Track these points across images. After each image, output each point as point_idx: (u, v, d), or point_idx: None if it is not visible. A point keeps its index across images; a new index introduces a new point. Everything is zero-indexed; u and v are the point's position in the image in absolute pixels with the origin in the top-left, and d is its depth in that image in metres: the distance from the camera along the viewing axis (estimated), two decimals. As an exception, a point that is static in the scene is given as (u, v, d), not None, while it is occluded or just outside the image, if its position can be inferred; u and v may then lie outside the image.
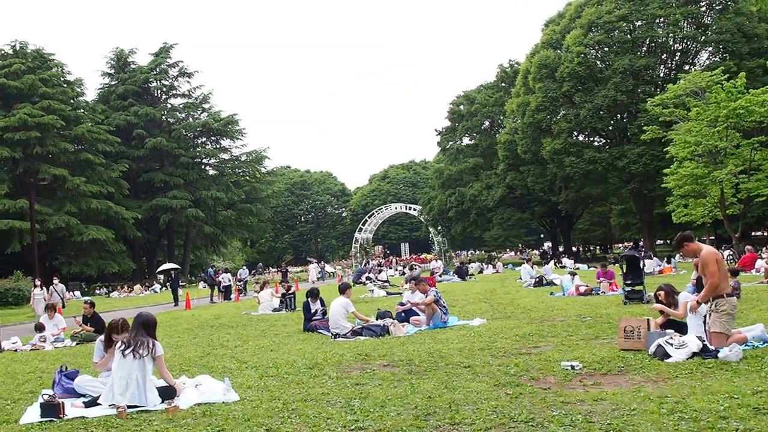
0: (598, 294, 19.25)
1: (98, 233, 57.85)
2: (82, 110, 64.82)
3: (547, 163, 50.34)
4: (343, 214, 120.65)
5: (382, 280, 41.54)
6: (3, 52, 61.10)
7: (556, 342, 10.20)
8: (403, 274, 52.13)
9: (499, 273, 43.91)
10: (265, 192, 78.51)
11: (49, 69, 62.27)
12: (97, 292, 59.03)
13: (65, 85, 63.29)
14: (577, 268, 31.19)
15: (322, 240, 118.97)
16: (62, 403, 7.02)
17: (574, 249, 70.87)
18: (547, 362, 8.47)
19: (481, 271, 46.29)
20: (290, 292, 21.96)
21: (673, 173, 32.42)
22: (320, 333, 13.67)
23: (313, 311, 14.52)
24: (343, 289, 13.82)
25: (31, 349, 14.42)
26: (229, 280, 36.26)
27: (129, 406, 7.02)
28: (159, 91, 73.76)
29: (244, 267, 53.86)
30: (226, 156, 75.92)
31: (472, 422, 5.71)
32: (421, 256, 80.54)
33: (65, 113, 58.94)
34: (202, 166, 75.27)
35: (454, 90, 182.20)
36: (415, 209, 77.83)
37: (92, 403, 7.45)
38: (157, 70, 71.95)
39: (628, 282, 15.58)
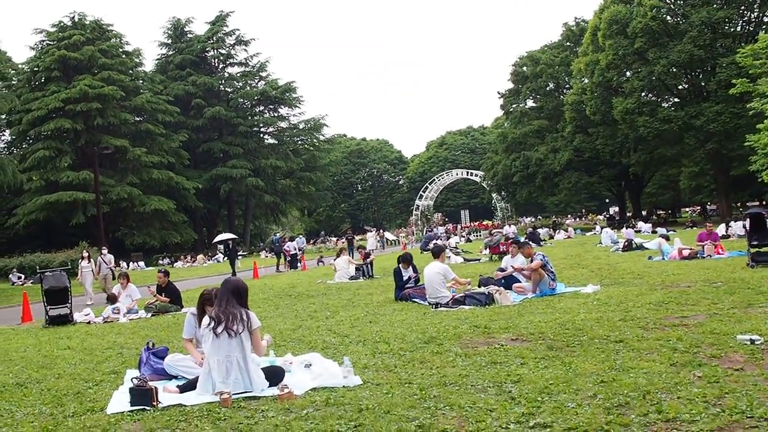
0: (703, 258, 17.63)
1: (160, 204, 57.67)
2: (141, 81, 64.63)
3: (617, 123, 48.19)
4: (400, 182, 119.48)
5: (451, 247, 40.32)
6: (62, 24, 60.92)
7: (703, 311, 8.77)
8: (469, 241, 50.91)
9: (571, 238, 42.15)
10: (324, 160, 77.54)
11: (107, 40, 62.00)
12: (160, 262, 58.98)
13: (124, 56, 63.04)
14: (671, 232, 29.54)
15: (379, 208, 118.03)
16: (155, 388, 5.90)
17: (644, 213, 68.33)
18: (713, 335, 7.06)
19: (551, 237, 44.61)
20: (368, 259, 20.79)
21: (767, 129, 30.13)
22: (415, 302, 12.46)
23: (405, 278, 13.29)
24: (437, 253, 12.54)
25: (104, 322, 13.52)
26: (295, 249, 35.36)
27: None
28: (216, 60, 73.18)
29: (301, 236, 52.94)
30: (284, 124, 75.18)
31: (691, 419, 4.38)
32: (483, 223, 78.73)
33: (125, 84, 58.69)
34: (261, 135, 74.71)
35: (516, 52, 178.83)
36: (476, 175, 76.02)
37: (187, 387, 6.34)
38: (214, 38, 71.25)
39: (754, 243, 13.90)
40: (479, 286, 12.34)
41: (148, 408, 5.72)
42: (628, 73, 47.60)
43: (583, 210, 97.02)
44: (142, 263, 54.26)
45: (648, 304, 9.69)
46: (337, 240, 67.64)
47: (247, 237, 73.16)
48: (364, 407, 5.21)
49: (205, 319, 6.37)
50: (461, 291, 11.99)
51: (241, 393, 5.94)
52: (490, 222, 77.09)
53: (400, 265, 13.52)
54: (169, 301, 14.42)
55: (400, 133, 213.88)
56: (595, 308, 9.67)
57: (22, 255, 46.72)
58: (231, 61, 73.43)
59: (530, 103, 66.66)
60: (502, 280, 13.05)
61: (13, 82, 60.84)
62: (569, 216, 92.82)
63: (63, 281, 13.74)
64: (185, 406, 5.77)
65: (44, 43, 60.87)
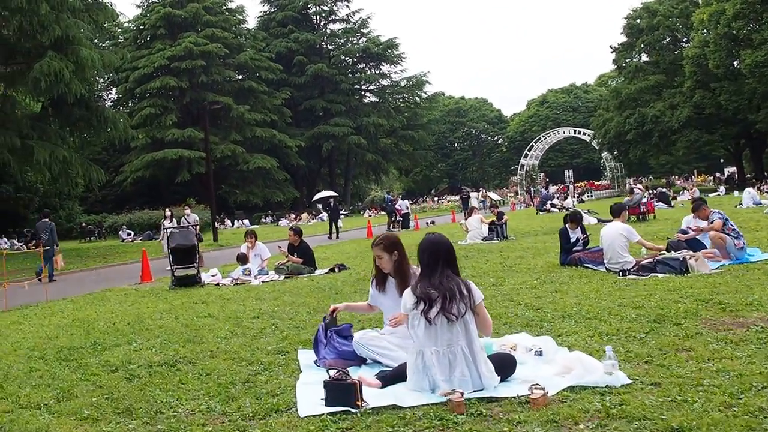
0: None
1: (263, 162, 57.31)
2: (243, 38, 63.97)
3: (744, 77, 44.65)
4: (499, 141, 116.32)
5: (568, 207, 38.21)
6: (167, -19, 60.76)
7: None
8: (582, 201, 48.43)
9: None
10: (425, 118, 75.68)
11: (211, -4, 61.55)
12: (263, 220, 58.82)
13: (227, 13, 62.65)
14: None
15: (478, 168, 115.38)
16: (359, 383, 4.43)
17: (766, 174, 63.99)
18: None
19: (674, 198, 41.80)
20: (502, 219, 19.11)
21: None
22: (587, 267, 10.75)
23: (573, 240, 11.58)
24: (618, 211, 10.73)
25: (234, 284, 12.35)
26: (407, 207, 33.97)
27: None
28: (318, 17, 71.97)
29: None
30: (385, 82, 73.58)
31: None
32: (595, 183, 75.51)
33: (228, 41, 58.23)
34: (362, 93, 73.46)
35: (617, 3, 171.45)
36: (585, 133, 72.73)
37: (389, 378, 4.88)
38: (316, -6, 69.99)
39: None
40: (667, 251, 10.50)
41: (353, 410, 4.29)
42: (762, 22, 43.87)
43: (695, 171, 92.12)
44: (246, 221, 54.07)
45: None
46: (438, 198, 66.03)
47: (348, 196, 72.38)
48: (676, 426, 3.62)
49: (409, 297, 4.82)
50: (649, 255, 10.22)
51: (471, 392, 4.45)
52: (602, 182, 74.01)
53: (567, 225, 11.80)
54: (302, 261, 13.15)
55: (499, 91, 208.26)
56: None
57: (131, 212, 47.02)
58: (333, 17, 72.12)
59: (644, 57, 62.94)
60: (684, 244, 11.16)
61: (119, 40, 61.22)
62: (678, 177, 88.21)
63: (191, 239, 12.66)
64: (402, 408, 4.30)
65: (150, 1, 60.90)
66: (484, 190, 66.80)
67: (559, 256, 11.71)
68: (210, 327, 7.75)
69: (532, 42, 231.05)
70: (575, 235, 11.66)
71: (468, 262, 13.00)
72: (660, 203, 32.25)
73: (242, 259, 12.94)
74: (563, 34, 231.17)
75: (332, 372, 4.53)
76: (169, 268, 12.77)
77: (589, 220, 23.39)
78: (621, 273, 9.72)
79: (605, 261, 10.32)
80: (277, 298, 9.85)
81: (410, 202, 45.87)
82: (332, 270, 13.10)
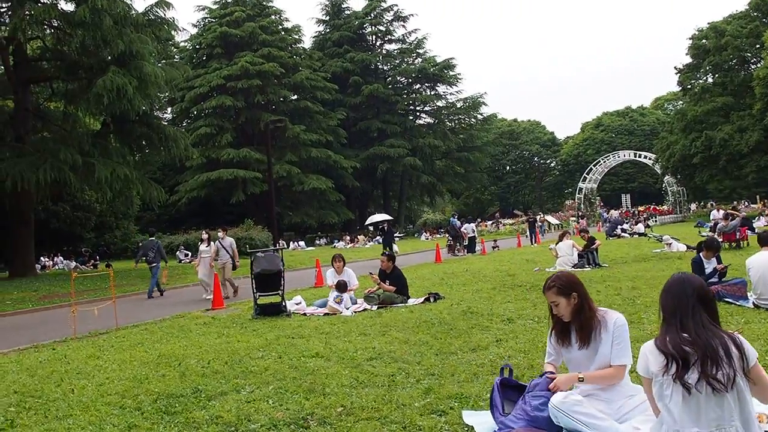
0: None
1: (318, 182, 56.54)
2: (299, 58, 63.57)
3: (820, 98, 42.67)
4: (552, 165, 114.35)
5: (639, 233, 36.51)
6: (224, 1, 60.72)
7: None
8: (648, 226, 46.51)
9: (774, 225, 37.56)
10: (482, 140, 74.40)
11: (267, 16, 61.60)
12: (317, 242, 57.92)
13: (283, 33, 62.48)
14: None
15: (530, 191, 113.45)
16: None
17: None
18: None
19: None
20: (594, 245, 17.71)
21: None
22: (728, 302, 9.35)
23: (709, 270, 10.19)
24: (768, 240, 9.37)
25: (325, 314, 11.18)
26: (473, 231, 32.66)
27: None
28: (374, 37, 71.42)
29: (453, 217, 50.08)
30: (441, 103, 72.55)
31: None
32: (658, 207, 73.18)
33: (284, 60, 57.83)
34: (417, 114, 72.52)
35: (676, 26, 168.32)
36: (646, 157, 70.65)
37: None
38: (372, 15, 69.47)
39: None
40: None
41: None
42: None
43: (757, 197, 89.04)
44: (302, 242, 53.18)
45: None
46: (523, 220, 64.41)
47: (402, 218, 71.26)
48: None
49: (653, 355, 3.58)
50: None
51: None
52: (663, 207, 71.75)
53: (701, 254, 10.42)
54: (396, 290, 11.93)
55: (552, 114, 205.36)
56: None
57: (187, 232, 46.46)
58: (389, 37, 71.50)
59: (710, 78, 60.92)
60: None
61: (175, 59, 61.19)
62: (735, 202, 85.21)
63: (277, 264, 11.52)
64: None
65: (206, 20, 61.04)
66: (542, 215, 65.15)
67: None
68: (325, 371, 6.56)
69: (588, 63, 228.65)
70: (711, 265, 10.28)
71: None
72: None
73: (342, 287, 11.72)
74: (620, 55, 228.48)
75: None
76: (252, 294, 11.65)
77: (678, 246, 21.90)
78: (784, 311, 8.35)
79: (754, 296, 8.96)
80: (385, 333, 8.63)
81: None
82: (427, 299, 11.86)
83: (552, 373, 4.48)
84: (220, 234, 17.97)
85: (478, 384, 5.65)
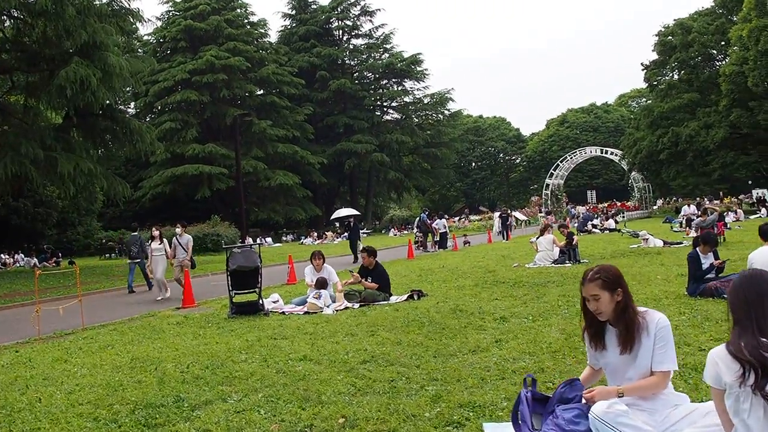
0: None
1: (285, 178, 55.89)
2: (265, 52, 62.74)
3: (787, 95, 43.08)
4: (517, 161, 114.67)
5: (611, 228, 36.49)
6: (189, -7, 59.68)
7: None
8: (616, 222, 46.60)
9: (740, 220, 37.83)
10: (449, 136, 74.19)
11: (233, 10, 60.63)
12: (284, 238, 57.25)
13: (249, 27, 61.54)
14: None
15: (496, 188, 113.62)
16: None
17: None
18: None
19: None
20: (574, 242, 17.38)
21: None
22: (726, 298, 8.99)
23: (706, 266, 9.83)
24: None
25: (304, 312, 10.65)
26: (445, 226, 32.32)
27: None
28: (341, 32, 70.94)
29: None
30: (408, 98, 72.23)
31: None
32: (626, 203, 73.48)
33: (250, 55, 57.07)
34: (385, 109, 72.11)
35: (636, 22, 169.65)
36: (613, 153, 71.02)
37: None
38: (339, 9, 68.93)
39: None
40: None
41: None
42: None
43: (720, 193, 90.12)
44: (269, 239, 52.43)
45: None
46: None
47: (369, 215, 70.79)
48: None
49: (727, 362, 3.14)
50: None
51: None
52: (629, 202, 72.24)
53: (699, 249, 10.06)
54: (378, 287, 11.45)
55: (517, 111, 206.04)
56: None
57: (151, 229, 45.38)
58: (356, 32, 71.11)
59: (676, 75, 61.32)
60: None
61: (138, 53, 59.96)
62: (703, 198, 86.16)
63: (254, 260, 10.96)
64: None
65: (170, 13, 59.93)
66: (510, 211, 65.07)
67: (687, 284, 9.97)
68: (317, 376, 6.04)
69: (552, 60, 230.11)
70: (708, 260, 9.92)
71: (559, 290, 11.31)
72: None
73: (322, 284, 11.19)
74: (584, 52, 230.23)
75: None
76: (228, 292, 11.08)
77: (654, 242, 21.72)
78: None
79: (759, 292, 8.60)
80: (373, 333, 8.13)
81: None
82: (410, 297, 11.39)
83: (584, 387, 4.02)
84: (178, 230, 16.74)
85: (489, 391, 5.18)
